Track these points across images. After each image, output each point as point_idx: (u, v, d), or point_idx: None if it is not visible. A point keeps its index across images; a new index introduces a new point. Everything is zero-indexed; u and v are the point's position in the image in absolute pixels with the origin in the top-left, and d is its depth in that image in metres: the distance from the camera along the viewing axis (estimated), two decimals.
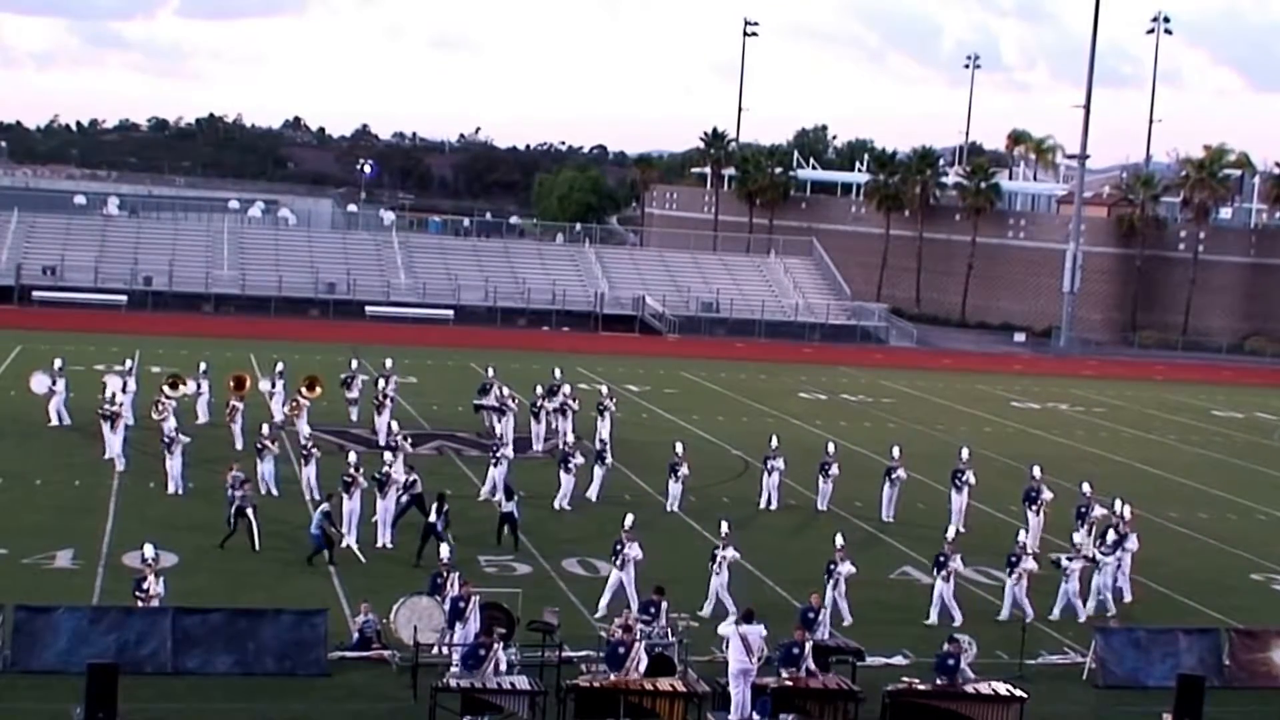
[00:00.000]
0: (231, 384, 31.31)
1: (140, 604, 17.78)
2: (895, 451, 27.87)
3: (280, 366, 34.21)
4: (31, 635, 17.07)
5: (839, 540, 20.50)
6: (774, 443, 28.55)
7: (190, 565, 21.31)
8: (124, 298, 59.44)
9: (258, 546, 22.28)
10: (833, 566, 20.01)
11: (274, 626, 17.60)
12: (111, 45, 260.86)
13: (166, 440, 26.31)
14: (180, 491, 25.74)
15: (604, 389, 34.90)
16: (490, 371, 35.31)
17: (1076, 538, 22.55)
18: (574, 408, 32.06)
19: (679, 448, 28.02)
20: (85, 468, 27.38)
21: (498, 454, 27.34)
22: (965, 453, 27.57)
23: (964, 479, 26.54)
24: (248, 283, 62.17)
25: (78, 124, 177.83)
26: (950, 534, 22.03)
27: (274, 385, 33.43)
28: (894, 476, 27.26)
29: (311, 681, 17.18)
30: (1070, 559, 21.35)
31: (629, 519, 20.79)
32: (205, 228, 70.09)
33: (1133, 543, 22.59)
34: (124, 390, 30.90)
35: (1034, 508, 24.98)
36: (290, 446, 28.66)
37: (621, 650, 16.30)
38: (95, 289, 59.56)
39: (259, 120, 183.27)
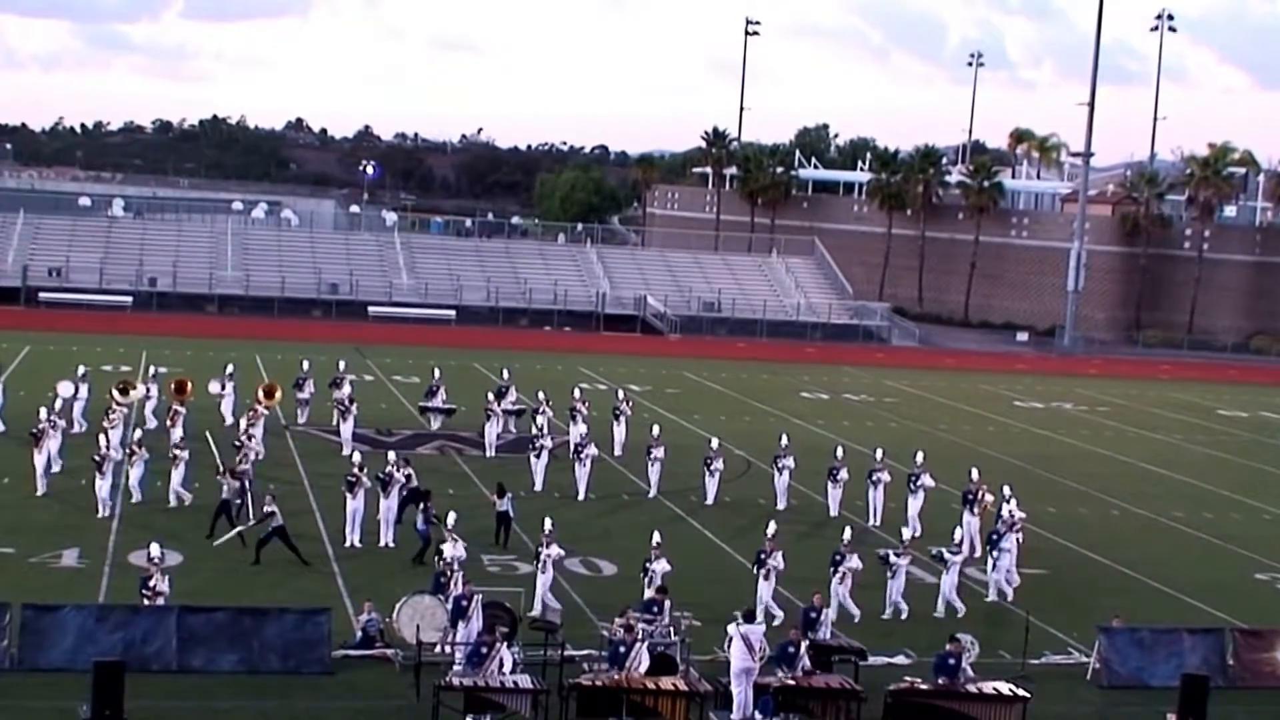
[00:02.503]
0: (172, 388, 30.67)
1: (146, 602, 17.84)
2: (878, 454, 27.58)
3: (230, 369, 33.51)
4: (38, 633, 17.15)
5: (656, 538, 20.05)
6: (784, 441, 28.66)
7: (195, 564, 21.37)
8: (129, 298, 59.60)
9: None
10: (648, 564, 19.56)
11: (278, 625, 17.65)
12: (116, 47, 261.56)
13: (98, 459, 24.25)
14: (107, 513, 24.02)
15: (620, 393, 34.97)
16: (437, 374, 35.29)
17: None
18: (584, 412, 31.87)
19: (714, 443, 28.61)
20: (90, 469, 27.33)
21: (537, 445, 28.27)
22: (920, 456, 27.30)
23: (919, 483, 26.23)
24: (251, 283, 62.28)
25: (82, 126, 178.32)
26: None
27: (223, 387, 32.54)
28: (874, 479, 26.92)
29: (315, 680, 17.23)
30: (898, 555, 20.84)
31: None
32: (209, 229, 70.24)
33: (1009, 543, 22.39)
34: (75, 396, 30.44)
35: (974, 510, 24.80)
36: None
37: (623, 649, 16.34)
38: (100, 290, 59.74)
39: (262, 121, 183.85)
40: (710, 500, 27.82)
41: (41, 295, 58.58)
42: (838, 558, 20.52)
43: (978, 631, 19.26)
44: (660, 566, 19.50)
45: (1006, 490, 24.55)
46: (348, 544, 23.15)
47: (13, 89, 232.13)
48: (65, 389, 30.65)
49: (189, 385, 31.04)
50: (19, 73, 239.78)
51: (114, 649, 16.76)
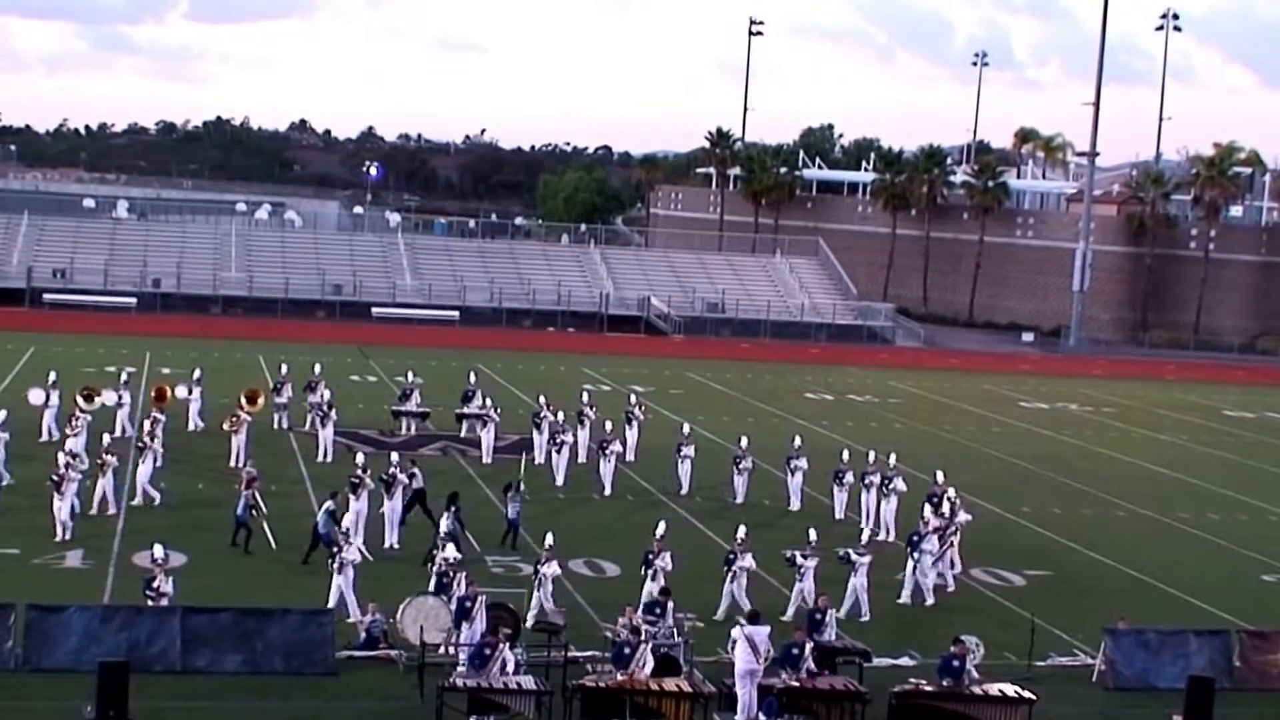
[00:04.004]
0: (152, 395, 30.27)
1: (150, 603, 17.84)
2: (870, 456, 27.43)
3: (198, 374, 33.12)
4: (43, 634, 17.16)
5: (549, 540, 19.78)
6: (796, 442, 28.68)
7: (199, 565, 21.38)
8: (133, 300, 59.66)
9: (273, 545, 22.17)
10: (539, 565, 19.25)
11: (282, 626, 17.64)
12: (120, 49, 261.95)
13: (56, 478, 22.64)
14: (69, 537, 22.48)
15: (632, 396, 34.88)
16: (410, 376, 35.18)
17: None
18: (591, 416, 31.71)
19: (743, 442, 28.61)
20: (94, 469, 27.31)
21: (558, 440, 28.60)
22: (893, 458, 27.01)
23: (891, 486, 26.09)
24: (255, 284, 62.34)
25: (86, 128, 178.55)
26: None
27: (191, 392, 32.01)
28: (866, 482, 26.66)
29: (319, 681, 17.21)
30: (806, 555, 20.52)
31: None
32: (213, 230, 70.37)
33: (930, 544, 22.22)
34: (47, 404, 30.01)
35: (936, 512, 24.60)
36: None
37: (627, 650, 16.31)
38: (105, 291, 59.80)
39: (266, 123, 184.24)
40: (740, 499, 27.88)
41: (46, 296, 58.65)
42: (731, 557, 20.46)
43: (983, 632, 19.20)
44: (550, 570, 19.36)
45: (951, 491, 24.45)
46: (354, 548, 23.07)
47: (17, 90, 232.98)
48: (35, 396, 30.16)
49: (168, 392, 30.66)
50: (24, 74, 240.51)
51: (118, 650, 16.74)
